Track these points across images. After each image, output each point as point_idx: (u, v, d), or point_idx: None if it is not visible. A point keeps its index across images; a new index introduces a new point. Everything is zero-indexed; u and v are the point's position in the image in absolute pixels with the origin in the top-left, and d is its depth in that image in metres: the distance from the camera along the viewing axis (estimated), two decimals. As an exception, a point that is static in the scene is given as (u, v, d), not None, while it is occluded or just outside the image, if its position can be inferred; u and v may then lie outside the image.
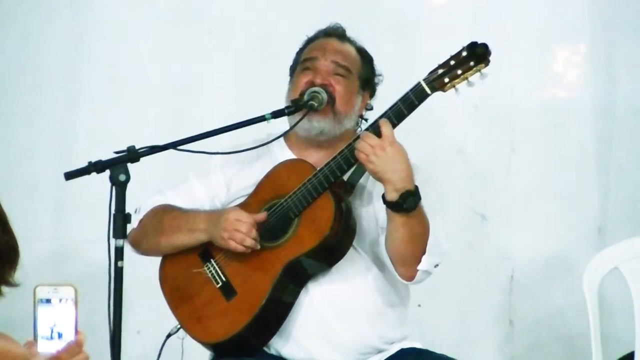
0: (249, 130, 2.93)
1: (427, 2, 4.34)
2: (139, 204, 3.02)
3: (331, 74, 3.02)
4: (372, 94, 3.12)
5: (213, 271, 2.96)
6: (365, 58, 3.11)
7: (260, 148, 3.03)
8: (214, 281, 2.95)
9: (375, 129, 2.81)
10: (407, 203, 2.76)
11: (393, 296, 3.00)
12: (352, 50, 3.10)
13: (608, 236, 4.20)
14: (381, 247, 2.96)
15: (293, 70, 3.12)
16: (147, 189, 3.11)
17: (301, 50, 3.14)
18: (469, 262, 4.22)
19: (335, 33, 3.12)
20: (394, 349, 3.00)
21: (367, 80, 3.10)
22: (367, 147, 2.78)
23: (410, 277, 2.90)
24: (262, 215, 2.90)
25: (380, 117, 2.84)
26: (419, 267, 2.86)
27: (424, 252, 2.85)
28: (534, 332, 4.26)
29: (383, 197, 2.80)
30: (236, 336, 2.88)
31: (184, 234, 2.97)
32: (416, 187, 2.78)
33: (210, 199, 3.06)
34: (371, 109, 3.11)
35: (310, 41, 3.13)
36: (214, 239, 2.92)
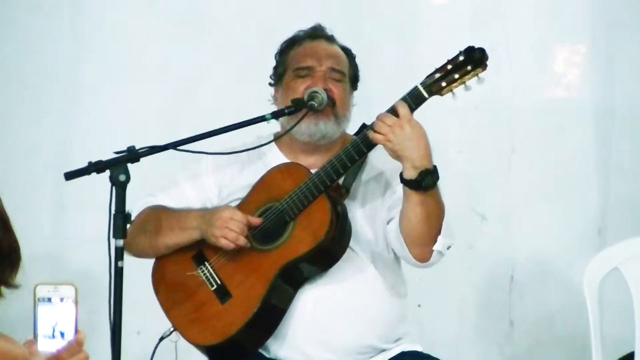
0: (243, 132, 2.93)
1: (427, 2, 4.34)
2: (129, 207, 2.96)
3: (328, 78, 3.01)
4: (355, 90, 3.11)
5: (207, 274, 2.95)
6: (350, 56, 3.11)
7: (252, 151, 3.01)
8: (208, 284, 2.94)
9: (391, 110, 2.80)
10: (425, 181, 2.76)
11: (390, 295, 2.98)
12: (340, 51, 3.09)
13: (608, 236, 4.20)
14: (380, 246, 2.96)
15: (280, 75, 3.08)
16: (147, 189, 3.10)
17: (284, 52, 3.10)
18: (469, 262, 4.22)
19: (322, 35, 3.10)
20: (395, 351, 2.99)
21: (355, 79, 3.11)
22: (384, 126, 2.77)
23: (424, 259, 2.88)
24: (257, 220, 2.89)
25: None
26: (434, 248, 2.85)
27: (439, 233, 2.85)
28: (534, 332, 4.26)
29: (401, 175, 2.80)
30: (230, 339, 2.87)
31: (176, 232, 2.95)
32: (435, 167, 2.78)
33: (202, 202, 3.04)
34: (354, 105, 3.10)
35: (294, 43, 3.10)
36: (206, 237, 2.90)
